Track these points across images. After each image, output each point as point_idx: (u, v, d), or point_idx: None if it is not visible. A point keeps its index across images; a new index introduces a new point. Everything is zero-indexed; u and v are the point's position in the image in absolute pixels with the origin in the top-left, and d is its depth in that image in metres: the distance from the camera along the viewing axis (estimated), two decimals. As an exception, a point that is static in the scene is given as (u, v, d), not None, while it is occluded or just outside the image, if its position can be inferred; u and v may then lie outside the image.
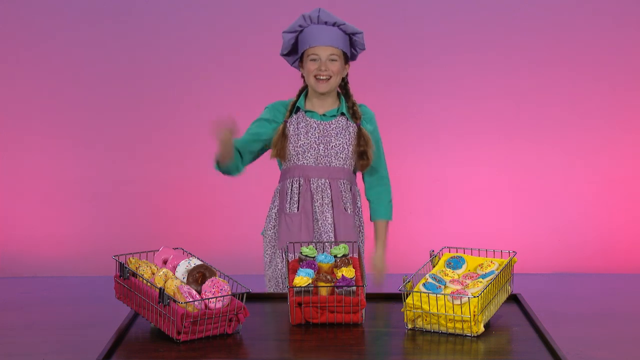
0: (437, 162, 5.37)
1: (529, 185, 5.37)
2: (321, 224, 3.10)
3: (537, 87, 5.30)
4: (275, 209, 3.18)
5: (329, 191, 3.11)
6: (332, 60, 3.06)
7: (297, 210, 3.11)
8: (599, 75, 5.29)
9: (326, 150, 3.10)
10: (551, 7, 5.25)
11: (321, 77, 3.05)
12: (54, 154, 5.33)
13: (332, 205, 3.11)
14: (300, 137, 3.10)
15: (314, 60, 3.05)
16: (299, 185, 3.12)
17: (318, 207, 3.10)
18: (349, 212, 3.14)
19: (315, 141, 3.10)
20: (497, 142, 5.35)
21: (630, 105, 5.32)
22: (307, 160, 3.10)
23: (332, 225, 3.11)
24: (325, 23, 3.05)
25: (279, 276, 3.15)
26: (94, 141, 5.32)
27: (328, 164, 3.10)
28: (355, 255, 2.89)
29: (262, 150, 3.18)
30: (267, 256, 3.21)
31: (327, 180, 3.11)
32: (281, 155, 3.11)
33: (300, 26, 3.08)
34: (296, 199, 3.12)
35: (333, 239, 3.08)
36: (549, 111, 5.32)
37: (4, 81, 5.28)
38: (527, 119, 5.32)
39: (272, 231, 3.19)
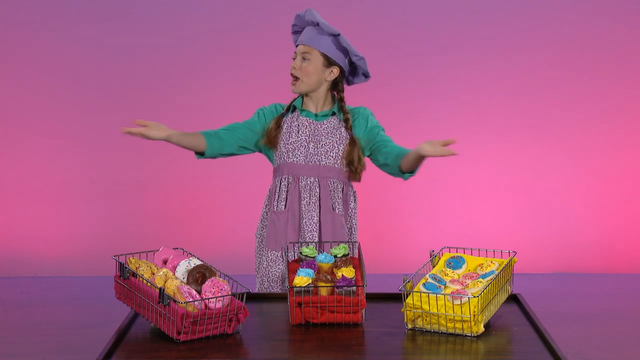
0: (436, 162, 5.33)
1: (529, 185, 5.37)
2: (306, 222, 3.10)
3: (538, 87, 5.30)
4: (266, 208, 3.19)
5: (317, 190, 3.11)
6: (305, 59, 3.08)
7: (285, 208, 3.12)
8: (600, 75, 5.29)
9: (316, 149, 3.10)
10: (551, 7, 5.25)
11: (292, 75, 3.10)
12: (54, 154, 5.32)
13: (320, 204, 3.11)
14: (292, 135, 3.12)
15: (293, 59, 3.12)
16: (288, 183, 3.13)
17: (305, 205, 3.10)
18: (337, 211, 3.13)
19: (305, 139, 3.11)
20: (497, 142, 5.34)
21: (630, 106, 5.32)
22: (297, 158, 3.11)
23: (318, 225, 3.11)
24: (310, 23, 3.09)
25: (264, 275, 3.14)
26: (94, 141, 5.32)
27: (317, 162, 3.10)
28: (355, 255, 2.89)
29: (255, 145, 3.17)
30: (258, 256, 3.21)
31: (315, 179, 3.11)
32: (272, 142, 3.12)
33: (294, 25, 3.16)
34: (284, 196, 3.13)
35: (317, 239, 3.09)
36: (549, 111, 5.32)
37: (4, 81, 5.28)
38: (527, 118, 5.32)
39: (262, 230, 3.19)
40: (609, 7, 5.24)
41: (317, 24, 3.06)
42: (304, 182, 3.11)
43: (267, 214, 3.18)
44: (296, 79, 3.09)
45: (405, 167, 3.03)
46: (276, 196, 3.13)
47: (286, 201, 3.12)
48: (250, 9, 5.25)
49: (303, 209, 3.10)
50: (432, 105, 5.31)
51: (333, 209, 3.12)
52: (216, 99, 5.30)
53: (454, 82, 5.30)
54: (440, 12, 5.26)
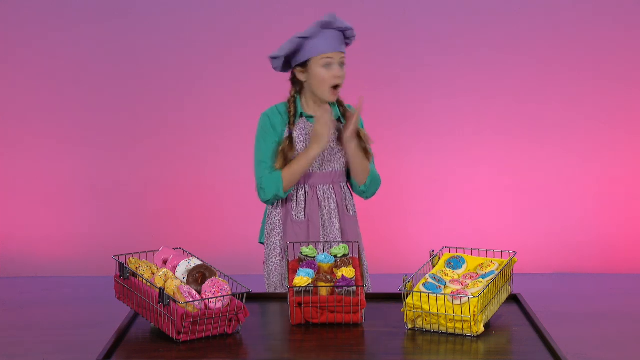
0: (436, 162, 5.36)
1: (529, 185, 5.37)
2: (329, 230, 3.08)
3: (538, 87, 5.30)
4: (279, 215, 3.10)
5: (334, 196, 3.10)
6: (342, 64, 3.01)
7: (304, 217, 3.09)
8: (600, 75, 5.29)
9: (330, 155, 3.07)
10: (551, 7, 5.25)
11: (338, 84, 2.99)
12: (54, 153, 5.32)
13: (338, 210, 3.10)
14: (300, 144, 3.06)
15: (329, 65, 2.97)
16: (305, 193, 3.10)
17: (326, 213, 3.08)
18: (352, 213, 3.14)
19: None
20: (497, 142, 5.34)
21: (630, 106, 5.32)
22: (313, 166, 3.06)
23: (340, 230, 3.10)
24: (338, 29, 2.98)
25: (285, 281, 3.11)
26: (94, 141, 5.32)
27: (332, 168, 3.08)
28: (356, 255, 2.89)
29: None
30: (272, 264, 3.14)
31: (330, 185, 3.10)
32: (287, 162, 3.03)
33: (314, 32, 2.96)
34: (302, 206, 3.09)
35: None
36: (550, 111, 5.32)
37: (4, 81, 5.28)
38: (527, 118, 5.32)
39: (276, 238, 3.12)
40: (609, 7, 5.24)
41: (347, 30, 2.99)
42: (321, 191, 3.09)
43: (280, 222, 3.10)
44: (337, 86, 3.01)
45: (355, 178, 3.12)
46: (294, 205, 3.08)
47: (305, 211, 3.10)
48: (250, 9, 5.25)
49: (325, 217, 3.09)
50: (432, 105, 5.31)
51: (348, 210, 3.12)
52: (216, 98, 5.30)
53: (454, 82, 5.30)
54: (440, 12, 5.26)
